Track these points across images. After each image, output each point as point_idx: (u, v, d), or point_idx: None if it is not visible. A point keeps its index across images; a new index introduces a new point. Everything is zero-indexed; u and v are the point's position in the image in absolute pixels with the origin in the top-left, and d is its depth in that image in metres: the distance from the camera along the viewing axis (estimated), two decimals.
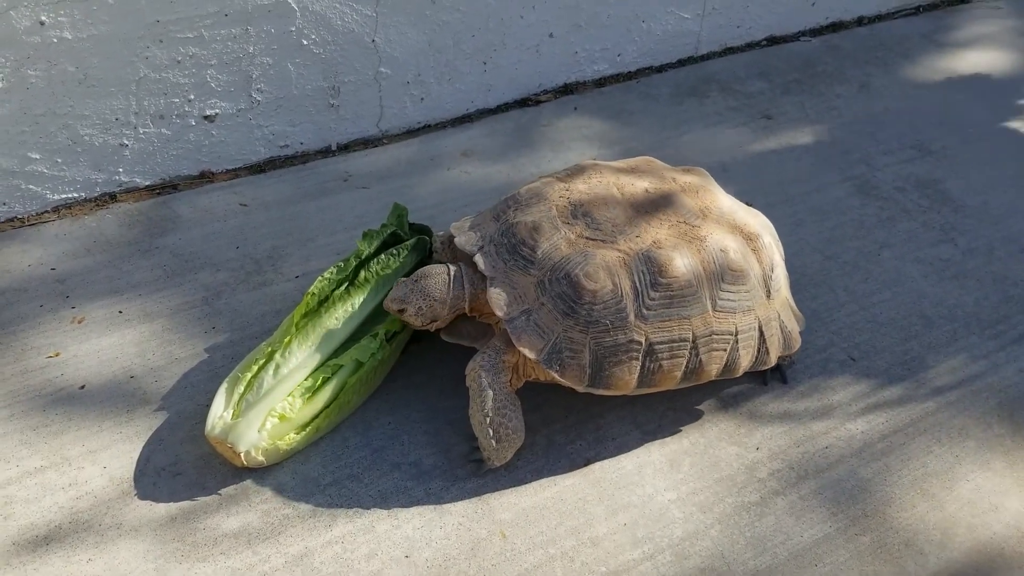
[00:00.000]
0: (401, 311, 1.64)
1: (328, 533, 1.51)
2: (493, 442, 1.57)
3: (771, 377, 1.82)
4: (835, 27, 3.18)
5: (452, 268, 1.66)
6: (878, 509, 1.59)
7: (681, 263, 1.58)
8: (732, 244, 1.65)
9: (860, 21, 3.23)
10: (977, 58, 3.01)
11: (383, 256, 1.82)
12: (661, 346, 1.57)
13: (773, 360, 1.70)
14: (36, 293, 1.94)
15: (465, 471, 1.62)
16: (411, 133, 2.54)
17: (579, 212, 1.63)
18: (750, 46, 3.04)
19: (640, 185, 1.71)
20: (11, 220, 2.11)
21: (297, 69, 2.28)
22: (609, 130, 2.58)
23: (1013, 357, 1.89)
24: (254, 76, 2.23)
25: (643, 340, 1.56)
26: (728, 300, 1.62)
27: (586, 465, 1.64)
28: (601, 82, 2.80)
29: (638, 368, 1.57)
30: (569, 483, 1.61)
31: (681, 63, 2.92)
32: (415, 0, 2.34)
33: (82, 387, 1.74)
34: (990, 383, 1.83)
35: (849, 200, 2.34)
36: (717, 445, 1.69)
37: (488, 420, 1.56)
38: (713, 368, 1.62)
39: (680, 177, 1.77)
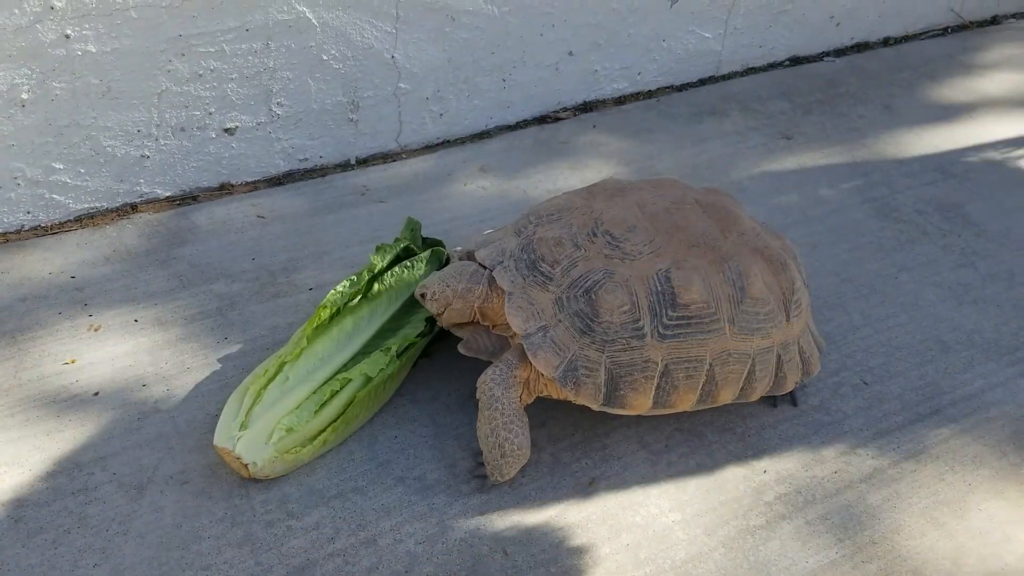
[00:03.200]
0: (423, 296, 1.68)
1: (331, 545, 1.52)
2: (498, 456, 1.57)
3: (781, 399, 1.80)
4: (860, 48, 3.16)
5: (475, 265, 1.68)
6: (887, 536, 1.56)
7: (700, 284, 1.57)
8: (753, 267, 1.63)
9: (886, 42, 3.21)
10: (1004, 80, 2.98)
11: (396, 269, 1.83)
12: (677, 367, 1.56)
13: (791, 385, 1.68)
14: (55, 300, 1.97)
15: (469, 487, 1.62)
16: (429, 148, 2.56)
17: (600, 230, 1.63)
18: (772, 66, 3.02)
19: (662, 204, 1.70)
20: (34, 228, 2.16)
21: (317, 84, 2.30)
22: (628, 148, 2.58)
23: None
24: (274, 90, 2.26)
25: (659, 361, 1.55)
26: (747, 323, 1.60)
27: (591, 484, 1.64)
28: (620, 100, 2.80)
29: (653, 388, 1.56)
30: (573, 502, 1.60)
31: (702, 82, 2.92)
32: (435, 17, 2.36)
33: (96, 394, 1.77)
34: (1006, 411, 1.80)
35: (868, 222, 2.32)
36: (724, 467, 1.67)
37: (495, 434, 1.56)
38: (729, 391, 1.61)
39: (703, 198, 1.76)
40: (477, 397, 1.59)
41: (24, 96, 1.99)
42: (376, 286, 1.79)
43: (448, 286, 1.66)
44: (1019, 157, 2.59)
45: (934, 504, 1.62)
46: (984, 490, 1.64)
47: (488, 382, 1.58)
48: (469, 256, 1.81)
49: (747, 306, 1.60)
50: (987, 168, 2.54)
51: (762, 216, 2.31)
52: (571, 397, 1.57)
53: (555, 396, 1.63)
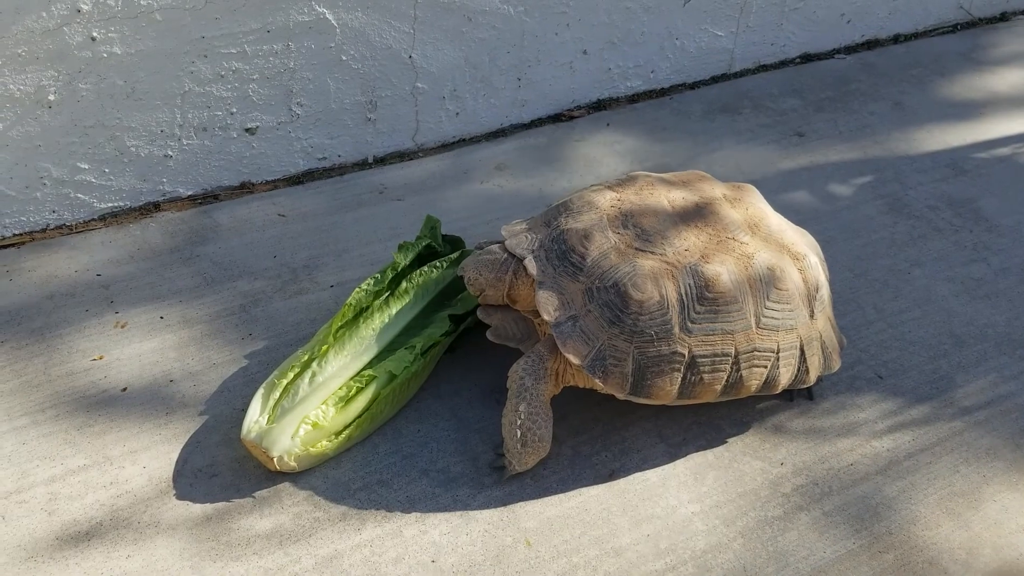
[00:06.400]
0: (461, 277, 1.75)
1: (357, 536, 1.55)
2: (519, 445, 1.60)
3: (798, 394, 1.83)
4: (870, 45, 3.18)
5: (505, 254, 1.72)
6: (903, 527, 1.59)
7: (728, 278, 1.60)
8: (779, 262, 1.66)
9: (896, 39, 3.22)
10: (1014, 76, 3.00)
11: (425, 268, 1.85)
12: (703, 359, 1.59)
13: (812, 379, 1.71)
14: (82, 298, 2.01)
15: (492, 479, 1.65)
16: (446, 147, 2.59)
17: (629, 222, 1.66)
18: (784, 63, 3.05)
19: (691, 199, 1.73)
20: (60, 227, 2.19)
21: (336, 84, 2.34)
22: (641, 146, 2.61)
23: None
24: (294, 90, 2.29)
25: (686, 352, 1.59)
26: (772, 318, 1.63)
27: (611, 476, 1.67)
28: (634, 98, 2.83)
29: (679, 380, 1.59)
30: (594, 493, 1.64)
31: (714, 80, 2.94)
32: (451, 18, 2.39)
33: (124, 389, 1.80)
34: (1020, 403, 1.83)
35: (880, 218, 2.34)
36: (741, 459, 1.70)
37: (519, 423, 1.59)
38: (753, 384, 1.64)
39: (730, 193, 1.79)
40: (508, 385, 1.63)
41: (51, 97, 2.03)
42: (404, 284, 1.82)
43: (481, 275, 1.71)
44: None
45: (949, 495, 1.64)
46: (999, 481, 1.67)
47: (520, 371, 1.62)
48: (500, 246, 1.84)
49: (773, 301, 1.63)
50: (998, 164, 2.56)
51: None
52: (598, 386, 1.60)
53: (581, 385, 1.67)
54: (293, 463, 1.61)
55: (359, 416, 1.67)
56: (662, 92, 2.86)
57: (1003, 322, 2.02)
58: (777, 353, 1.64)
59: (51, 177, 2.12)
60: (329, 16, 2.23)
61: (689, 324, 1.58)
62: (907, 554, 1.54)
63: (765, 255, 1.66)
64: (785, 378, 1.66)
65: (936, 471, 1.69)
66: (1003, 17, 3.40)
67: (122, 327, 1.94)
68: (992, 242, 2.26)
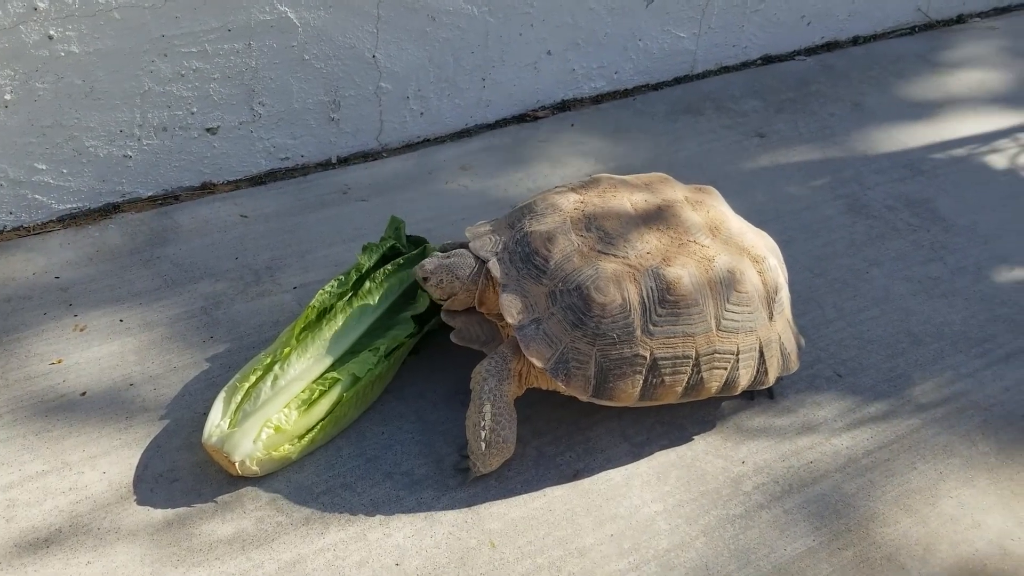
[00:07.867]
0: (425, 279, 1.71)
1: (320, 540, 1.54)
2: (483, 445, 1.60)
3: (758, 393, 1.85)
4: (830, 46, 3.22)
5: (477, 260, 1.71)
6: (861, 524, 1.62)
7: (689, 281, 1.62)
8: (739, 265, 1.68)
9: (855, 41, 3.27)
10: (971, 78, 3.06)
11: (389, 267, 1.85)
12: (665, 362, 1.61)
13: (771, 380, 1.73)
14: (40, 301, 1.97)
15: (456, 481, 1.65)
16: (410, 147, 2.58)
17: (593, 225, 1.67)
18: (745, 65, 3.08)
19: (653, 201, 1.74)
20: (17, 229, 2.15)
21: (298, 83, 2.32)
22: (605, 147, 2.62)
23: (999, 375, 1.92)
24: (256, 90, 2.27)
25: (648, 355, 1.60)
26: (732, 320, 1.65)
27: (575, 477, 1.67)
28: (598, 99, 2.84)
29: (641, 382, 1.61)
30: (558, 494, 1.64)
31: (677, 81, 2.96)
32: (415, 17, 2.38)
33: (83, 394, 1.78)
34: (975, 401, 1.86)
35: (839, 218, 2.38)
36: (703, 458, 1.72)
37: (483, 424, 1.59)
38: (713, 385, 1.66)
39: (692, 196, 1.80)
40: (471, 387, 1.63)
41: (7, 97, 1.99)
42: (367, 284, 1.81)
43: (456, 277, 1.69)
44: (984, 153, 2.66)
45: (906, 492, 1.67)
46: (955, 478, 1.70)
47: (483, 373, 1.62)
48: (463, 247, 1.83)
49: (733, 304, 1.65)
50: (954, 164, 2.61)
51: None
52: (561, 388, 1.61)
53: (544, 387, 1.67)
54: (255, 467, 1.60)
55: (322, 419, 1.66)
56: (626, 93, 2.88)
57: (959, 320, 2.06)
58: (737, 355, 1.66)
59: (7, 178, 2.08)
60: (291, 15, 2.21)
61: (651, 327, 1.60)
62: (866, 550, 1.57)
63: (725, 258, 1.68)
64: (744, 380, 1.68)
65: (894, 468, 1.72)
66: (960, 19, 3.46)
67: (81, 330, 1.91)
68: (948, 242, 2.30)
